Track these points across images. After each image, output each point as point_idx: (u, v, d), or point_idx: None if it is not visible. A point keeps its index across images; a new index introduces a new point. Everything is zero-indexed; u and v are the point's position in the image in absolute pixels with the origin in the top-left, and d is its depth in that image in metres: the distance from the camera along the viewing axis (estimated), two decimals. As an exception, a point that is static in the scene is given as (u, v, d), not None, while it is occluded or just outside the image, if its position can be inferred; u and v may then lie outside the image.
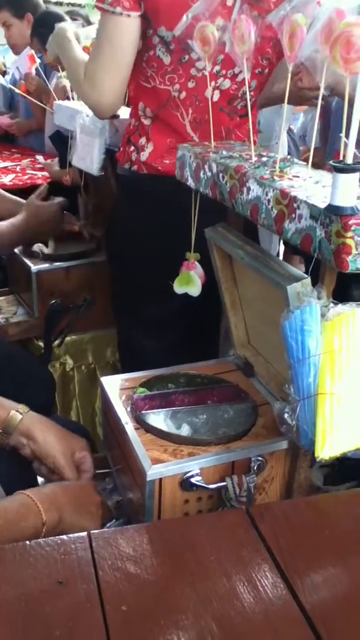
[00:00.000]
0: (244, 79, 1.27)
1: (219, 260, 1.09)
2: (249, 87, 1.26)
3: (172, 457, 0.92)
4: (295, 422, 0.83)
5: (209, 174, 1.00)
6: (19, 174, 2.77)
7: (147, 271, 1.40)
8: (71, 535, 0.67)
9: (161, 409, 1.01)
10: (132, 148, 1.37)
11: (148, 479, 0.89)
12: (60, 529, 0.88)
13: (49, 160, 2.29)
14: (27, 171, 2.82)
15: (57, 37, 1.50)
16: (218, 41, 0.97)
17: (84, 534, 0.68)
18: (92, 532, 0.68)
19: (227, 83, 1.28)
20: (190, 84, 1.26)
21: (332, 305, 0.82)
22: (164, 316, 1.42)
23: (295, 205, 0.77)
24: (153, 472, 0.89)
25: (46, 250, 1.94)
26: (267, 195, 0.83)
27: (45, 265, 1.87)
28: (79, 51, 1.44)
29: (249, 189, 0.88)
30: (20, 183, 2.62)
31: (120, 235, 1.47)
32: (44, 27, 2.70)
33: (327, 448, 0.77)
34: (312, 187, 0.81)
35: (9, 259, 2.07)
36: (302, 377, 0.81)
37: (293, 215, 0.78)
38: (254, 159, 0.96)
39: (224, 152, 1.01)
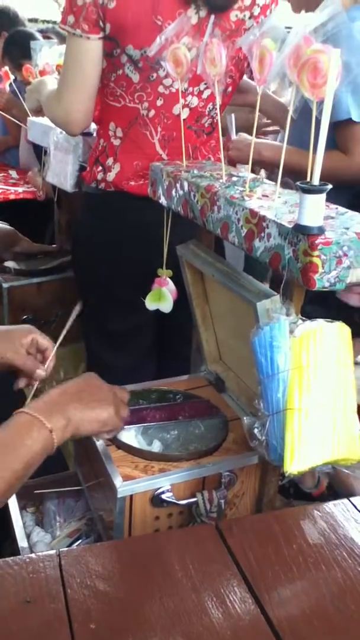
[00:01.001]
0: (209, 95, 1.30)
1: (190, 276, 1.10)
2: (218, 107, 1.28)
3: (143, 474, 0.92)
4: (265, 437, 0.83)
5: (180, 192, 1.01)
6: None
7: (112, 285, 1.41)
8: (40, 553, 0.66)
9: (132, 425, 1.01)
10: (100, 168, 1.37)
11: (119, 495, 0.89)
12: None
13: (29, 173, 2.28)
14: (0, 186, 2.81)
15: (37, 86, 1.53)
16: (190, 62, 0.99)
17: (53, 552, 0.68)
18: (60, 550, 0.67)
19: (195, 100, 1.31)
20: (159, 102, 1.28)
21: (300, 321, 0.84)
22: (129, 331, 1.43)
23: (264, 224, 0.79)
24: (124, 488, 0.89)
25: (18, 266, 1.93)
26: (237, 214, 0.85)
27: (17, 282, 1.86)
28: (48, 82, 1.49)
29: (219, 208, 0.89)
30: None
31: (85, 251, 1.47)
32: (14, 45, 2.71)
33: (296, 463, 0.78)
34: (280, 206, 0.83)
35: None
36: (272, 392, 0.82)
37: (262, 234, 0.79)
38: (225, 178, 0.98)
39: (195, 172, 1.03)
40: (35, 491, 1.14)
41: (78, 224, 1.56)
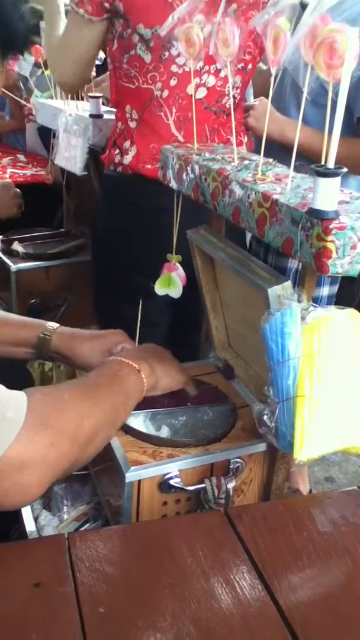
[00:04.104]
0: (225, 75, 1.27)
1: (200, 262, 1.09)
2: (235, 87, 1.26)
3: (151, 459, 0.91)
4: (274, 424, 0.83)
5: (191, 175, 1.00)
6: (0, 172, 2.74)
7: (126, 269, 1.40)
8: (48, 536, 0.66)
9: (141, 410, 1.01)
10: (117, 151, 1.36)
11: (127, 480, 0.88)
12: (157, 381, 0.91)
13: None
14: (8, 170, 2.80)
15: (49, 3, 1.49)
16: (203, 42, 0.97)
17: (62, 534, 0.68)
18: (69, 533, 0.67)
19: (212, 80, 1.28)
20: (172, 82, 1.26)
21: (312, 308, 0.83)
22: (142, 317, 1.43)
23: (276, 208, 0.77)
24: (132, 473, 0.88)
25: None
26: (249, 198, 0.83)
27: (25, 265, 1.85)
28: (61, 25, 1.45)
29: (231, 192, 0.88)
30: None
31: (104, 236, 1.46)
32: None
33: (306, 450, 0.78)
34: (294, 190, 0.81)
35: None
36: (282, 379, 0.82)
37: (274, 219, 0.78)
38: (236, 161, 0.96)
39: (207, 155, 1.02)
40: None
41: (97, 208, 1.56)
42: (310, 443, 0.78)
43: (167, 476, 0.91)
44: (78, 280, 1.90)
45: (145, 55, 1.24)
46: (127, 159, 1.33)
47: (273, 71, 0.82)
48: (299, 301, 0.83)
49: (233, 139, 1.02)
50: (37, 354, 1.01)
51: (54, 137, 1.88)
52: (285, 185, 0.83)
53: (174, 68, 1.25)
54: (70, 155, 1.72)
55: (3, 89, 2.45)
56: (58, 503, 1.11)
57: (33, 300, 1.88)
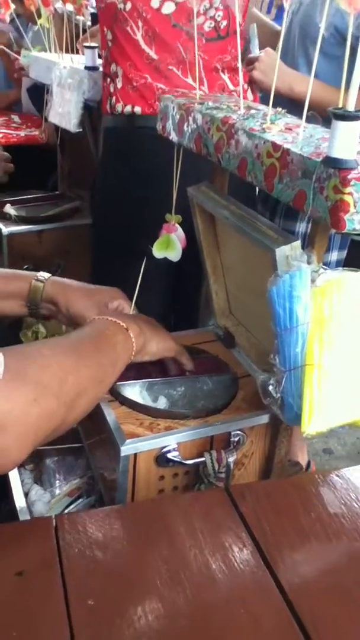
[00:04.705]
0: None
1: (201, 221, 1.02)
2: (215, 7, 1.16)
3: (148, 431, 0.86)
4: (280, 395, 0.77)
5: (193, 126, 0.92)
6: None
7: (131, 233, 1.33)
8: (35, 517, 0.60)
9: (137, 380, 0.95)
10: (109, 80, 1.31)
11: (122, 454, 0.83)
12: (145, 343, 0.85)
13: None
14: (1, 130, 2.69)
15: None
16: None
17: (49, 517, 0.62)
18: (57, 515, 0.61)
19: None
20: None
21: (322, 270, 0.76)
22: (145, 281, 1.36)
23: (288, 158, 0.70)
24: (127, 447, 0.83)
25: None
26: (257, 148, 0.76)
27: (17, 228, 1.77)
28: None
29: (237, 142, 0.80)
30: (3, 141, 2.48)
31: (103, 196, 1.39)
32: None
33: (314, 423, 0.72)
34: (307, 139, 0.74)
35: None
36: (289, 346, 0.75)
37: (285, 170, 0.70)
38: (243, 110, 0.88)
39: (210, 103, 0.93)
40: (34, 447, 1.09)
41: (96, 168, 1.48)
42: (319, 415, 0.72)
43: (164, 449, 0.85)
44: (73, 245, 1.82)
45: None
46: (119, 82, 1.27)
47: (286, 5, 0.73)
48: (309, 263, 0.76)
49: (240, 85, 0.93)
50: (29, 305, 0.94)
51: (47, 93, 1.78)
52: (297, 134, 0.76)
53: None
54: (64, 111, 1.62)
55: (3, 47, 2.33)
56: (50, 477, 1.06)
57: (25, 266, 1.81)
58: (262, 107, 0.92)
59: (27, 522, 0.61)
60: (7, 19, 2.08)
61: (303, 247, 0.78)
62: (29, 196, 1.97)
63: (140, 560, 0.56)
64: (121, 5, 1.21)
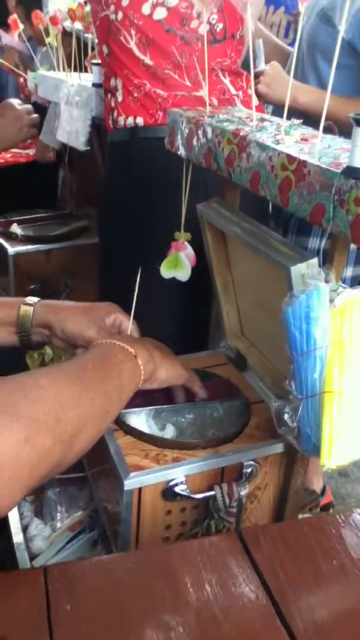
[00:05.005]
0: None
1: (211, 238, 0.97)
2: (209, 14, 1.14)
3: (154, 463, 0.80)
4: (296, 424, 0.71)
5: (203, 140, 0.87)
6: (2, 153, 2.63)
7: (139, 244, 1.28)
8: (21, 570, 0.53)
9: (143, 407, 0.89)
10: (109, 95, 1.29)
11: (126, 488, 0.77)
12: (154, 370, 0.79)
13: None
14: (11, 149, 2.68)
15: None
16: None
17: (38, 569, 0.55)
18: (48, 564, 0.55)
19: (172, 0, 1.17)
20: (124, 2, 1.18)
21: (341, 289, 0.71)
22: (152, 301, 1.31)
23: (304, 170, 0.65)
24: (132, 480, 0.77)
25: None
26: (270, 160, 0.71)
27: (23, 248, 1.74)
28: None
29: (249, 155, 0.76)
30: (2, 161, 2.48)
31: (109, 208, 1.35)
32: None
33: (335, 455, 0.66)
34: (324, 150, 0.69)
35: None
36: (306, 372, 0.70)
37: (302, 183, 0.66)
38: (255, 122, 0.84)
39: (221, 116, 0.89)
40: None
41: (102, 184, 1.45)
42: (340, 447, 0.66)
43: (171, 482, 0.79)
44: (81, 264, 1.78)
45: None
46: (119, 95, 1.25)
47: (302, 8, 0.69)
48: (327, 281, 0.71)
49: (253, 93, 0.89)
50: (20, 332, 0.89)
51: (54, 112, 1.76)
52: (314, 145, 0.71)
53: None
54: (72, 129, 1.60)
55: (11, 67, 2.32)
56: (51, 509, 1.00)
57: (32, 286, 1.77)
58: (275, 118, 0.88)
59: (13, 575, 0.55)
60: (16, 38, 2.07)
61: (320, 264, 0.73)
62: (36, 215, 1.94)
63: (142, 620, 0.49)
64: (113, 16, 1.20)
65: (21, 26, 1.88)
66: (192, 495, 0.80)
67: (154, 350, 0.80)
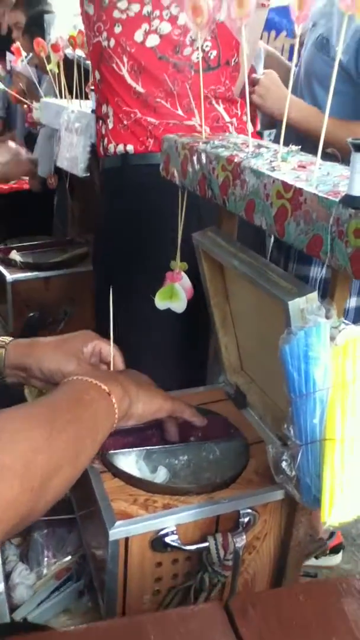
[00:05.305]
0: (186, 22, 1.13)
1: (208, 269, 0.92)
2: (202, 41, 1.12)
3: (143, 510, 0.74)
4: (296, 473, 0.65)
5: (197, 166, 0.83)
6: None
7: (132, 271, 1.25)
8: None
9: (133, 447, 0.84)
10: (101, 123, 1.28)
11: (111, 538, 0.71)
12: (130, 406, 0.74)
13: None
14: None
15: None
16: (212, 9, 0.81)
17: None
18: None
19: (165, 27, 1.15)
20: (117, 29, 1.16)
21: (343, 325, 0.66)
22: (147, 334, 1.26)
23: (300, 198, 0.61)
24: (117, 530, 0.71)
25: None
26: (265, 188, 0.67)
27: (22, 275, 1.70)
28: None
29: (243, 182, 0.71)
30: (6, 188, 2.47)
31: (102, 236, 1.32)
32: (35, 25, 2.56)
33: (337, 512, 0.60)
34: (322, 178, 0.64)
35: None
36: (305, 416, 0.64)
37: (298, 212, 0.61)
38: (251, 148, 0.80)
39: (216, 142, 0.85)
40: (22, 518, 0.97)
41: (97, 204, 1.43)
42: (343, 502, 0.60)
43: (161, 532, 0.73)
44: (81, 291, 1.74)
45: (89, 8, 1.18)
46: (110, 122, 1.23)
47: (298, 30, 0.65)
48: (327, 317, 0.66)
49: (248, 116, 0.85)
50: None
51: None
52: (311, 172, 0.67)
53: (115, 14, 1.15)
54: (72, 156, 1.57)
55: (17, 96, 2.33)
56: (37, 554, 0.94)
57: (31, 314, 1.74)
58: (273, 145, 0.84)
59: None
60: (19, 65, 2.07)
61: (321, 296, 0.68)
62: (36, 242, 1.91)
63: None
64: (105, 43, 1.18)
65: (24, 54, 1.88)
66: (183, 547, 0.74)
67: (129, 384, 0.75)
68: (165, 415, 0.81)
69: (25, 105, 2.18)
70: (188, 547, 0.74)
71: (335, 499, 0.60)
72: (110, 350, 0.85)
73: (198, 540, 0.75)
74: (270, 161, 0.72)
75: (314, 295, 0.68)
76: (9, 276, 1.69)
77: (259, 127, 1.38)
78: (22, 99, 2.31)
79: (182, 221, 0.95)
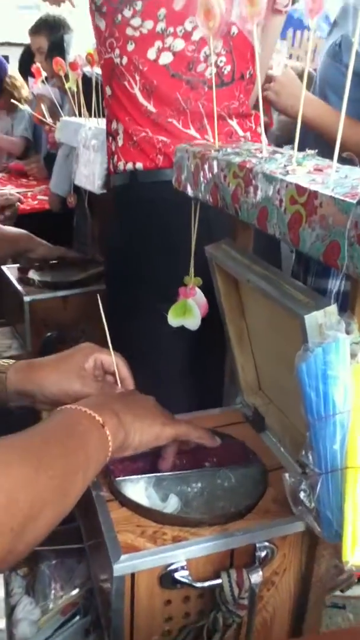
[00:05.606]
0: (201, 38, 1.10)
1: (222, 283, 0.87)
2: (216, 53, 1.09)
3: (151, 543, 0.69)
4: (315, 505, 0.59)
5: (209, 175, 0.79)
6: (29, 199, 2.64)
7: (141, 290, 1.21)
8: None
9: (143, 474, 0.78)
10: (110, 139, 1.24)
11: (115, 573, 0.66)
12: (126, 437, 0.69)
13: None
14: (38, 197, 2.69)
15: None
16: (224, 12, 0.78)
17: None
18: None
19: (179, 44, 1.11)
20: (130, 47, 1.13)
21: (366, 342, 0.60)
22: (158, 352, 1.22)
23: (315, 202, 0.56)
24: (122, 565, 0.66)
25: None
26: (278, 193, 0.62)
27: (40, 294, 1.68)
28: None
29: (256, 188, 0.67)
30: (28, 208, 2.48)
31: (113, 254, 1.29)
32: (57, 50, 2.59)
33: (360, 549, 0.54)
34: (339, 181, 0.59)
35: (2, 286, 1.90)
36: (325, 441, 0.58)
37: (313, 217, 0.56)
38: (265, 154, 0.75)
39: (229, 149, 0.81)
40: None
41: (109, 222, 1.40)
42: (366, 538, 0.54)
43: (171, 567, 0.68)
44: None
45: (100, 23, 1.15)
46: (120, 139, 1.19)
47: (312, 24, 0.61)
48: (348, 332, 0.60)
49: (262, 130, 0.81)
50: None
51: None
52: (328, 175, 0.62)
53: (129, 31, 1.11)
54: (89, 173, 1.55)
55: (39, 116, 2.34)
56: (44, 586, 0.89)
57: (49, 333, 1.70)
58: (288, 151, 0.79)
59: None
60: (40, 86, 2.07)
61: (341, 310, 0.63)
62: (55, 261, 1.89)
63: None
64: (118, 60, 1.15)
65: (44, 74, 1.89)
66: (194, 584, 0.68)
67: (125, 413, 0.70)
68: (166, 442, 0.76)
69: (46, 127, 2.18)
70: (199, 584, 0.68)
71: (358, 534, 0.53)
72: (112, 360, 0.81)
73: (210, 576, 0.69)
74: (285, 165, 0.67)
75: (333, 308, 0.62)
76: (27, 296, 1.67)
77: (274, 126, 1.34)
78: (43, 119, 2.32)
79: (195, 233, 0.91)
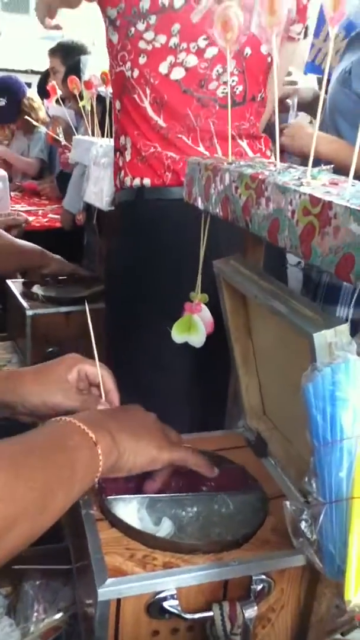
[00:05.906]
0: (214, 55, 1.09)
1: (229, 300, 0.85)
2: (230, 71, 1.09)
3: (140, 568, 0.65)
4: (317, 537, 0.55)
5: (220, 187, 0.77)
6: (40, 217, 2.64)
7: (143, 308, 1.18)
8: None
9: (135, 494, 0.74)
10: (118, 155, 1.23)
11: (100, 598, 0.62)
12: (119, 457, 0.65)
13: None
14: (49, 215, 2.70)
15: None
16: (242, 24, 0.77)
17: None
18: None
19: (192, 59, 1.10)
20: (141, 60, 1.12)
21: (378, 363, 0.57)
22: (160, 369, 1.19)
23: (329, 213, 0.53)
24: (108, 589, 0.62)
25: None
26: (291, 204, 0.59)
27: (42, 308, 1.65)
28: None
29: (267, 200, 0.64)
30: (38, 225, 2.48)
31: (113, 272, 1.27)
32: (74, 72, 2.63)
33: (365, 586, 0.49)
34: (357, 194, 0.57)
35: (7, 300, 1.88)
36: (330, 468, 0.55)
37: (326, 229, 0.53)
38: (279, 167, 0.73)
39: (242, 162, 0.79)
40: (14, 566, 0.88)
41: (112, 238, 1.38)
42: (372, 575, 0.50)
43: (159, 595, 0.64)
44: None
45: (113, 37, 1.15)
46: (128, 154, 1.18)
47: (332, 32, 0.59)
48: (359, 353, 0.57)
49: (275, 148, 0.79)
50: None
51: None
52: (344, 189, 0.59)
53: (141, 44, 1.11)
54: (98, 189, 1.54)
55: (53, 135, 2.36)
56: (27, 607, 0.84)
57: (50, 349, 1.67)
58: (302, 167, 0.77)
59: None
60: (54, 105, 2.09)
61: (352, 333, 0.60)
62: (62, 277, 1.88)
63: None
64: (129, 73, 1.15)
65: (59, 92, 1.90)
66: (184, 615, 0.63)
67: (120, 433, 0.66)
68: (162, 466, 0.72)
69: (60, 147, 2.19)
70: (189, 616, 0.64)
71: (363, 571, 0.49)
72: (97, 372, 0.78)
73: (202, 608, 0.65)
74: (299, 177, 0.65)
75: (344, 327, 0.59)
76: (29, 310, 1.64)
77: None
78: (57, 137, 2.34)
79: (203, 246, 0.88)
